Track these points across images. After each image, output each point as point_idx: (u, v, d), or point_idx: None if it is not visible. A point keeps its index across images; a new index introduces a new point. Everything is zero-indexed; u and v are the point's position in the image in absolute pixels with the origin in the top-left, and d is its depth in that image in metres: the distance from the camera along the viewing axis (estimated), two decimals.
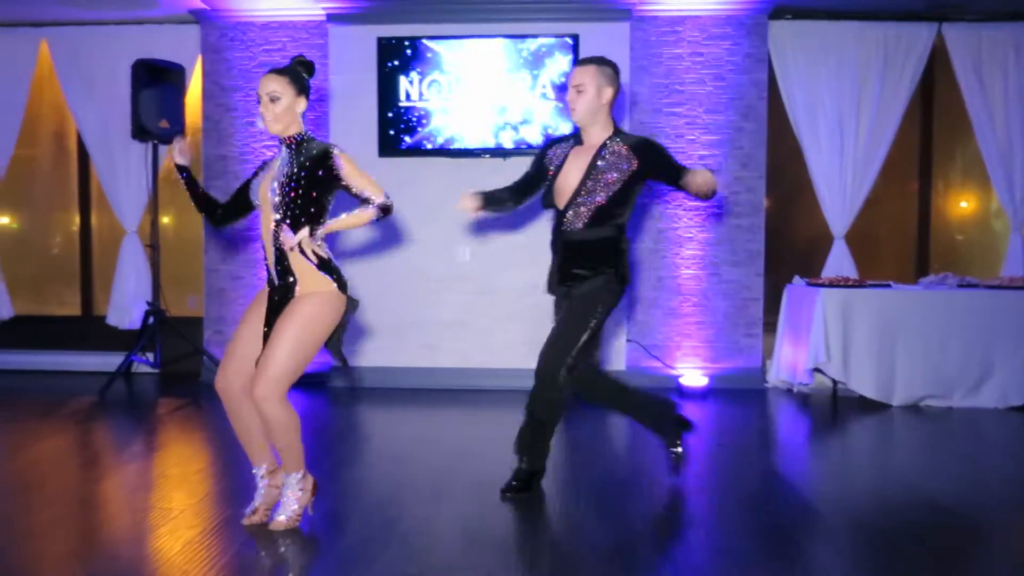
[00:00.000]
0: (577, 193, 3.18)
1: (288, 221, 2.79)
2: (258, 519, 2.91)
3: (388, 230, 5.58)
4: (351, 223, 2.88)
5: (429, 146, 5.49)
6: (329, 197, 2.87)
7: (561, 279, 3.34)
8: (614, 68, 3.24)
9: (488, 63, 5.43)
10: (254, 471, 2.97)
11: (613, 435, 4.61)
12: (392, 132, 5.50)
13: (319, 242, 2.84)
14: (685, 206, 5.66)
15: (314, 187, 2.80)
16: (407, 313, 5.60)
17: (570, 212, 3.21)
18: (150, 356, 5.74)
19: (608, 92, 3.20)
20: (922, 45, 5.66)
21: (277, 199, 2.80)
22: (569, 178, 3.23)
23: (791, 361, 5.44)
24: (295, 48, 5.77)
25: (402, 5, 5.50)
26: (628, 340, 5.60)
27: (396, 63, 5.47)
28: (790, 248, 6.17)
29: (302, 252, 2.78)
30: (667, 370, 5.66)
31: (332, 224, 2.84)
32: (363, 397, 5.34)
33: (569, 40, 5.39)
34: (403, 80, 5.47)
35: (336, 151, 2.85)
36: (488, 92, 5.44)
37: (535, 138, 5.40)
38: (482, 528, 2.92)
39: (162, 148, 5.77)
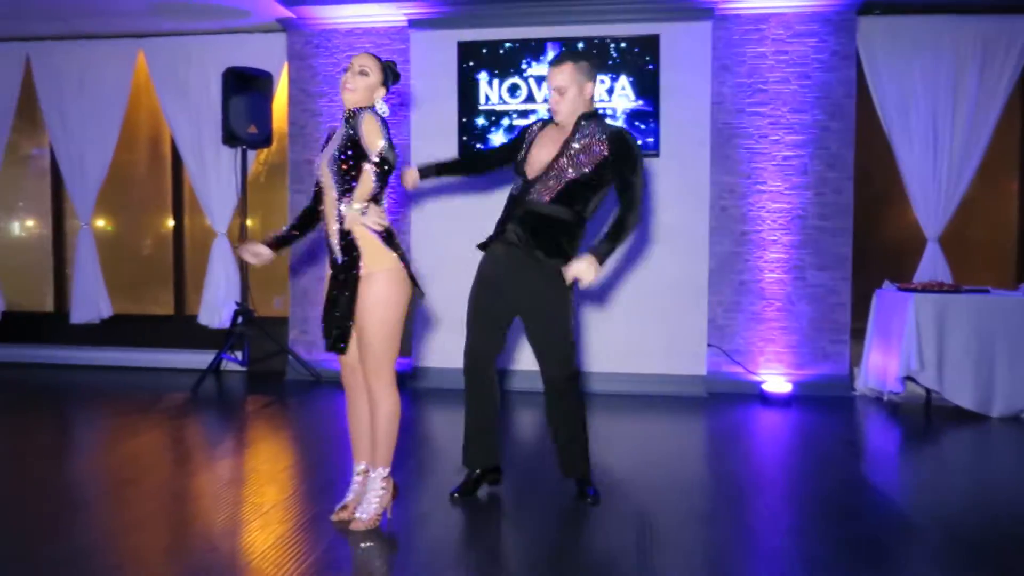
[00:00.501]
0: (549, 167, 3.13)
1: (348, 195, 2.80)
2: (346, 515, 2.97)
3: (468, 231, 5.61)
4: (363, 192, 2.77)
5: None
6: (386, 167, 2.78)
7: (506, 243, 3.21)
8: (590, 60, 3.20)
9: None
10: (355, 467, 3.03)
11: (696, 441, 4.54)
12: (473, 134, 5.55)
13: (381, 213, 2.83)
14: (768, 208, 5.54)
15: (359, 156, 2.79)
16: None
17: (538, 184, 3.14)
18: (238, 355, 5.93)
19: (588, 87, 3.18)
20: (1023, 39, 5.40)
21: (332, 173, 2.83)
22: (542, 152, 3.20)
23: (881, 369, 5.26)
24: (378, 54, 5.85)
25: (482, 9, 5.54)
26: (709, 345, 5.51)
27: (476, 66, 5.52)
28: (879, 251, 5.95)
29: (368, 227, 2.78)
30: (749, 376, 5.54)
31: (358, 193, 2.77)
32: (443, 398, 5.39)
33: (650, 41, 5.34)
34: (483, 83, 5.51)
35: (367, 111, 2.82)
36: None
37: None
38: (562, 531, 2.92)
39: (250, 153, 5.96)
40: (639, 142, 3.31)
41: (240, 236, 5.89)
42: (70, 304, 6.56)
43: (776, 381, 5.39)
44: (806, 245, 5.51)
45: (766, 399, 5.29)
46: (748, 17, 5.50)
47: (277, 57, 6.10)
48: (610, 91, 5.39)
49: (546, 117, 3.41)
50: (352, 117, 2.87)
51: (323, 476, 3.65)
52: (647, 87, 5.36)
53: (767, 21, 5.50)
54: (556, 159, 3.12)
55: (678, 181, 5.44)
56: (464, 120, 5.55)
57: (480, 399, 3.28)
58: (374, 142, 2.72)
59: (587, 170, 3.09)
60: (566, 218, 3.13)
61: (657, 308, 5.47)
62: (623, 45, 5.39)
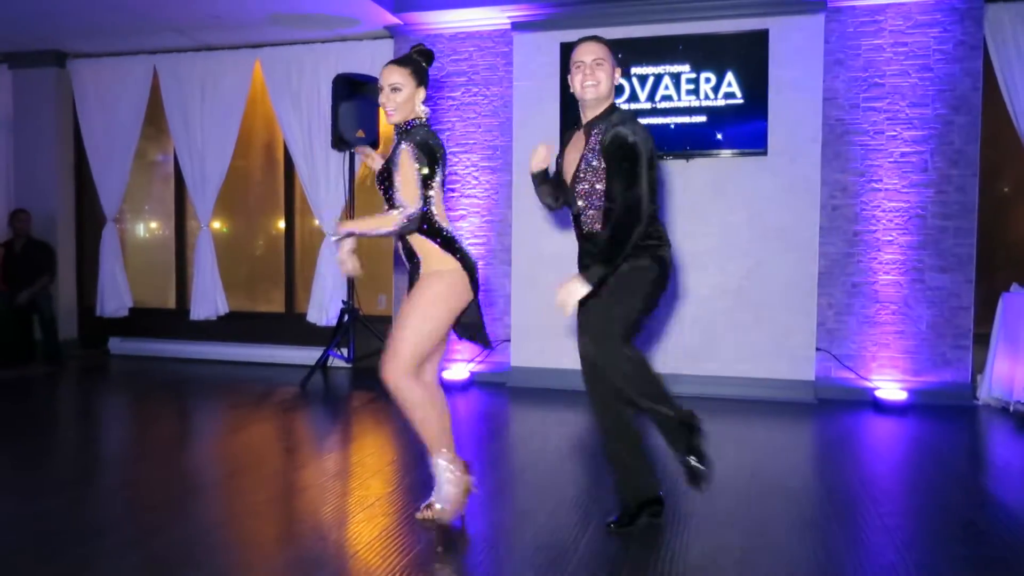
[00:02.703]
0: (579, 193, 2.89)
1: (391, 207, 2.82)
2: (430, 513, 2.95)
3: (571, 232, 5.61)
4: (372, 225, 2.76)
5: None
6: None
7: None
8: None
9: (671, 64, 5.34)
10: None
11: (806, 448, 4.38)
12: None
13: (439, 224, 2.82)
14: (884, 207, 5.29)
15: (392, 184, 2.79)
16: None
17: (583, 212, 2.90)
18: (345, 351, 6.11)
19: (617, 73, 2.93)
20: None
21: (378, 186, 2.88)
22: (569, 169, 2.95)
23: (1007, 377, 4.93)
24: (481, 57, 5.95)
25: (585, 10, 5.53)
26: (818, 349, 5.30)
27: None
28: (1006, 253, 5.60)
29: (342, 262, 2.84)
30: (861, 382, 5.31)
31: (354, 224, 2.78)
32: (544, 399, 5.40)
33: (759, 36, 5.20)
34: None
35: (407, 144, 2.77)
36: (671, 93, 5.35)
37: (720, 139, 5.26)
38: (667, 534, 2.87)
39: (358, 156, 6.13)
40: (650, 137, 2.87)
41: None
42: (190, 301, 6.92)
43: (890, 388, 5.15)
44: (925, 246, 5.23)
45: (880, 406, 5.06)
46: (864, 9, 5.28)
47: (384, 63, 6.24)
48: (716, 88, 5.27)
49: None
50: (402, 133, 2.85)
51: (426, 471, 3.68)
52: (755, 84, 5.22)
53: (884, 12, 5.26)
54: (576, 175, 2.88)
55: (787, 180, 5.27)
56: (567, 121, 5.54)
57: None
58: (403, 186, 2.72)
59: (603, 187, 2.82)
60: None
61: (763, 310, 5.31)
62: (729, 41, 5.26)
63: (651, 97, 5.38)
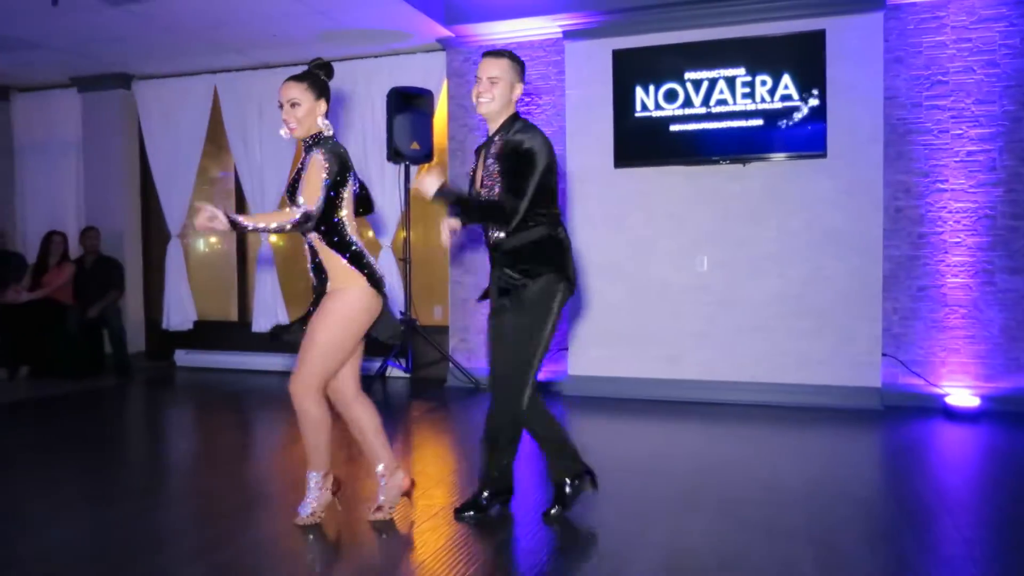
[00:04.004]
0: (479, 192, 3.03)
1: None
2: (380, 515, 3.09)
3: (628, 239, 5.60)
4: (267, 219, 2.74)
5: (667, 155, 5.43)
6: (332, 194, 2.81)
7: (500, 291, 3.06)
8: (523, 65, 3.09)
9: (725, 67, 5.29)
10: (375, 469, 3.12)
11: (873, 456, 4.28)
12: (628, 143, 5.51)
13: (349, 238, 2.85)
14: (950, 208, 5.14)
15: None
16: (646, 323, 5.57)
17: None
18: (403, 361, 6.17)
19: (519, 89, 3.06)
20: None
21: (288, 197, 2.91)
22: (476, 180, 3.08)
23: None
24: (533, 66, 5.96)
25: (638, 16, 5.51)
26: (884, 355, 5.17)
27: (631, 74, 5.48)
28: None
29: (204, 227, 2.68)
30: (930, 388, 5.16)
31: (249, 218, 2.74)
32: (601, 408, 5.37)
33: (815, 37, 5.12)
34: (639, 90, 5.47)
35: (317, 151, 2.81)
36: (726, 97, 5.29)
37: (777, 142, 5.18)
38: (735, 545, 2.82)
39: (413, 168, 6.21)
40: (546, 140, 3.02)
41: (403, 249, 6.14)
42: (251, 314, 7.07)
43: (961, 394, 4.99)
44: (996, 247, 5.07)
45: (950, 413, 4.91)
46: (924, 5, 5.15)
47: (437, 75, 6.32)
48: (772, 91, 5.20)
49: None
50: (308, 147, 2.89)
51: None
52: (812, 85, 5.13)
53: (946, 8, 5.12)
54: (481, 184, 3.02)
55: (847, 182, 5.16)
56: (620, 129, 5.52)
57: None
58: (306, 187, 2.76)
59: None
60: (538, 236, 2.98)
61: (825, 315, 5.21)
62: (785, 43, 5.19)
63: (706, 102, 5.33)
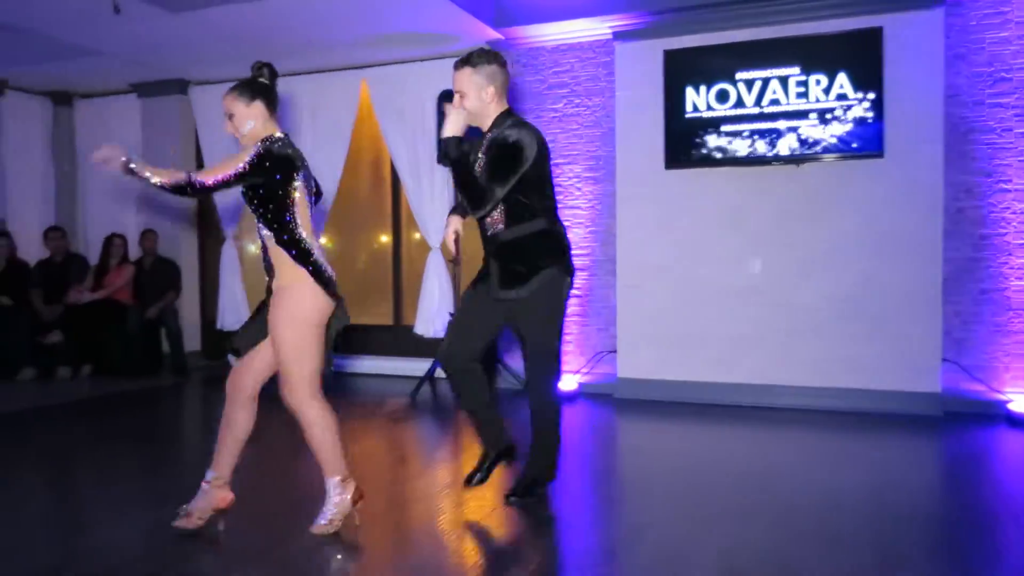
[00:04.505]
0: None
1: (259, 220, 2.87)
2: (186, 523, 2.97)
3: (678, 240, 5.55)
4: (162, 175, 2.69)
5: (718, 156, 5.37)
6: (277, 189, 2.82)
7: (502, 283, 3.21)
8: (489, 61, 3.10)
9: (779, 67, 5.21)
10: (208, 473, 3.06)
11: (935, 464, 4.17)
12: (679, 144, 5.46)
13: (299, 236, 2.85)
14: (1014, 208, 4.99)
15: (258, 187, 2.82)
16: (697, 326, 5.51)
17: (487, 213, 3.16)
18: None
19: (490, 90, 3.12)
20: None
21: (246, 202, 2.91)
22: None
23: None
24: (583, 68, 5.95)
25: (689, 16, 5.45)
26: (944, 360, 5.03)
27: (682, 74, 5.44)
28: None
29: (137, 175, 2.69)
30: (993, 395, 5.00)
31: (144, 167, 2.69)
32: (653, 410, 5.33)
33: (872, 34, 5.01)
34: (690, 91, 5.42)
35: (257, 145, 2.81)
36: (779, 97, 5.21)
37: (832, 142, 5.09)
38: (793, 554, 2.78)
39: None
40: (532, 138, 3.13)
41: (455, 252, 6.15)
42: None
43: None
44: None
45: (1013, 420, 4.76)
46: (987, 0, 5.01)
47: None
48: (827, 90, 5.10)
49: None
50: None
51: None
52: (868, 84, 5.02)
53: (1009, 3, 4.97)
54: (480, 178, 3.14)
55: (905, 182, 5.04)
56: (671, 130, 5.48)
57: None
58: (212, 167, 2.77)
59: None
60: (535, 229, 3.13)
61: (883, 319, 5.09)
62: (841, 41, 5.09)
63: (758, 102, 5.25)
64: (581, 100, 6.00)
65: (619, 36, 5.70)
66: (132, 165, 2.66)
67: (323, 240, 7.21)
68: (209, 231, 7.77)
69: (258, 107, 2.92)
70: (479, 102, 3.12)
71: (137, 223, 7.70)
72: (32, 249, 7.44)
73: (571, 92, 6.02)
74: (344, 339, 7.29)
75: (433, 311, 6.57)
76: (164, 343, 7.15)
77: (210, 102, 7.44)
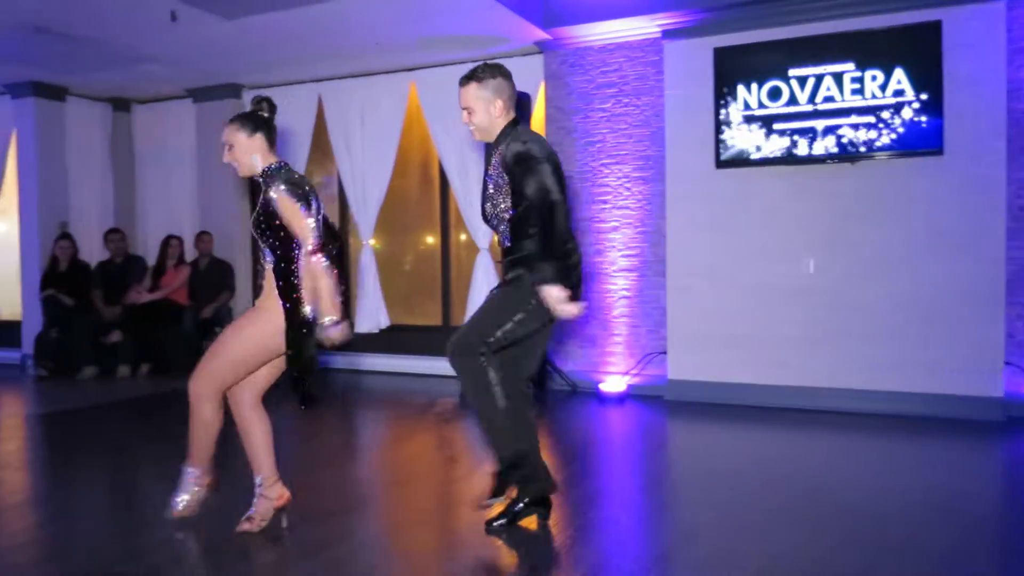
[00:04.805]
0: (483, 203, 3.11)
1: (265, 249, 2.92)
2: (253, 527, 3.04)
3: (729, 241, 5.49)
4: (326, 287, 2.82)
5: (770, 154, 5.29)
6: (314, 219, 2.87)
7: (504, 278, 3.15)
8: (494, 75, 3.01)
9: (833, 63, 5.11)
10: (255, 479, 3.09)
11: (998, 470, 4.05)
12: (730, 143, 5.40)
13: (293, 271, 2.86)
14: None
15: (273, 218, 2.86)
16: (749, 327, 5.44)
17: (497, 228, 3.12)
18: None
19: (497, 104, 3.03)
20: None
21: (253, 230, 2.94)
22: (487, 187, 3.11)
23: None
24: (631, 67, 5.91)
25: (738, 13, 5.38)
26: (1007, 363, 4.88)
27: (733, 72, 5.37)
28: None
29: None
30: None
31: (332, 308, 2.85)
32: (704, 413, 5.28)
33: (930, 28, 4.88)
34: (741, 89, 5.35)
35: (274, 192, 2.84)
36: (833, 93, 5.11)
37: (889, 139, 4.97)
38: (847, 560, 2.72)
39: None
40: (548, 149, 3.00)
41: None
42: (355, 315, 7.26)
43: None
44: None
45: None
46: None
47: (534, 78, 6.34)
48: (883, 86, 4.99)
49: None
50: (263, 180, 2.93)
51: (591, 485, 3.71)
52: (927, 79, 4.90)
53: None
54: (484, 192, 3.09)
55: (966, 179, 4.91)
56: (722, 129, 5.42)
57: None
58: (299, 230, 2.82)
59: (508, 203, 3.02)
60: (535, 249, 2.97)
61: (941, 321, 4.96)
62: (898, 35, 4.97)
63: (812, 99, 5.16)
64: (630, 99, 5.96)
65: (668, 34, 5.66)
66: (335, 318, 2.86)
67: (371, 241, 7.28)
68: None
69: (259, 140, 2.97)
70: (487, 116, 3.06)
71: (193, 224, 7.88)
72: (93, 251, 7.68)
73: (619, 92, 5.99)
74: (394, 339, 7.37)
75: None
76: None
77: None
